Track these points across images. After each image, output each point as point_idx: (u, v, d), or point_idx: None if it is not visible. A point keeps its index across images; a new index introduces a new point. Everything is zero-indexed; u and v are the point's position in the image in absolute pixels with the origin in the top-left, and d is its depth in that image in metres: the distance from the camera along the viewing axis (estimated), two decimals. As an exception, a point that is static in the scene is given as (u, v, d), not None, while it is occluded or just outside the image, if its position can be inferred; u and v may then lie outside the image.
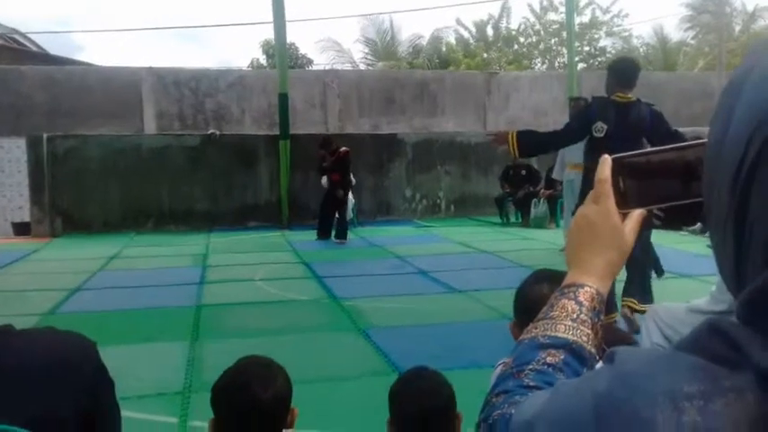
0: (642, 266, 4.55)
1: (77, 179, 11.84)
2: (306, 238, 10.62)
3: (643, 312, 3.89)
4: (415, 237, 10.81)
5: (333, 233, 10.22)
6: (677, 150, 0.75)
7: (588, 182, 4.33)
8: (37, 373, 1.10)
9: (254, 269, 7.61)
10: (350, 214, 11.82)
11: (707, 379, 0.43)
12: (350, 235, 10.94)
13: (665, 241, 8.75)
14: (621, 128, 4.37)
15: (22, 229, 12.06)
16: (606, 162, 0.76)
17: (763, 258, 0.43)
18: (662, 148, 0.76)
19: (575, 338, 0.70)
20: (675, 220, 9.97)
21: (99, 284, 6.95)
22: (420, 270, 7.38)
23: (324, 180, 10.37)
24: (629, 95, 4.44)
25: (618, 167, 0.76)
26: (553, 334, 0.71)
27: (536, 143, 4.75)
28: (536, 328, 0.73)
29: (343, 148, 9.97)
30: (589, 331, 0.71)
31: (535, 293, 1.64)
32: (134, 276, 7.40)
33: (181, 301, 5.96)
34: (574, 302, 0.73)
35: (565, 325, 0.71)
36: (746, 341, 0.43)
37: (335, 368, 4.07)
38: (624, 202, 0.76)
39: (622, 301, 4.44)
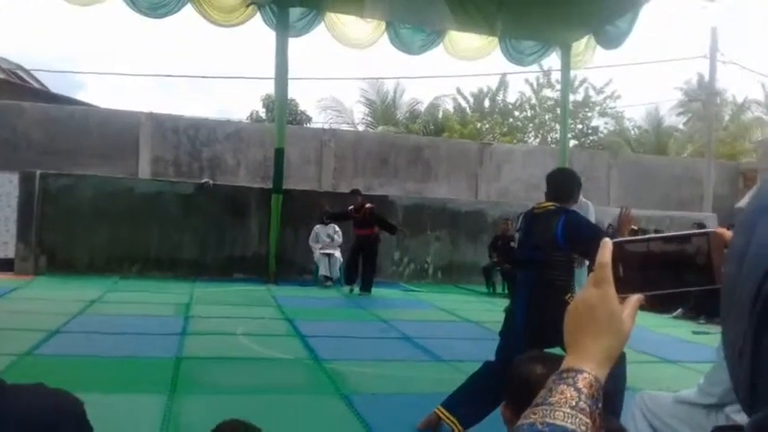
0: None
1: (67, 218, 11.79)
2: (291, 293, 10.58)
3: None
4: (402, 301, 10.77)
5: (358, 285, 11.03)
6: (678, 240, 0.77)
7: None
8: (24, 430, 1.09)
9: (237, 323, 7.53)
10: (337, 273, 11.84)
11: None
12: (334, 293, 11.00)
13: (649, 324, 8.77)
14: (526, 237, 4.17)
15: (5, 266, 11.89)
16: (607, 246, 0.77)
17: None
18: (663, 235, 0.78)
19: (573, 427, 0.69)
20: (659, 303, 10.04)
21: (79, 328, 6.84)
22: (405, 335, 7.33)
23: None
24: (549, 204, 4.11)
25: (618, 253, 0.78)
26: (552, 421, 0.70)
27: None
28: (534, 414, 0.72)
29: (369, 205, 11.06)
30: (588, 420, 0.71)
31: (528, 375, 1.64)
32: (115, 322, 7.28)
33: (161, 351, 5.86)
34: (573, 389, 0.73)
35: (564, 412, 0.70)
36: None
37: (315, 433, 4.00)
38: (623, 288, 0.77)
39: None
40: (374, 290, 11.03)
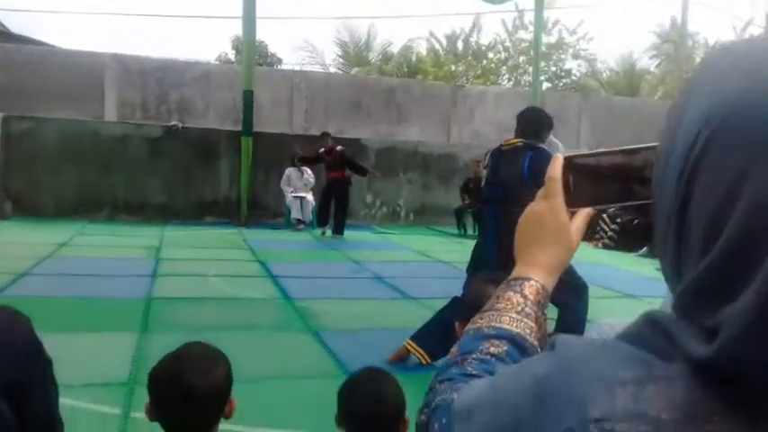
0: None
1: (32, 162, 11.54)
2: (263, 236, 10.57)
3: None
4: (374, 243, 10.84)
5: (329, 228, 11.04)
6: (626, 153, 0.77)
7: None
8: None
9: (209, 265, 7.53)
10: (309, 216, 11.84)
11: (641, 367, 0.45)
12: (306, 236, 11.04)
13: (615, 263, 8.98)
14: (494, 174, 4.22)
15: (-31, 210, 11.66)
16: (558, 160, 0.78)
17: (699, 250, 0.45)
18: (611, 149, 0.78)
19: (518, 330, 0.71)
20: (626, 242, 10.27)
21: (47, 270, 6.78)
22: (376, 275, 7.41)
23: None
24: (516, 141, 4.18)
25: (568, 166, 0.78)
26: (498, 325, 0.72)
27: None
28: (481, 319, 0.74)
29: (339, 147, 11.00)
30: (532, 324, 0.73)
31: (481, 293, 1.68)
32: (84, 265, 7.24)
33: (131, 292, 5.86)
34: (519, 295, 0.75)
35: (509, 317, 0.73)
36: (680, 334, 0.46)
37: (285, 367, 4.06)
38: (573, 201, 0.78)
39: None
40: (346, 232, 11.08)
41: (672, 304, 0.49)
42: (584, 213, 0.81)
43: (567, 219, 0.78)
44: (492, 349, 0.70)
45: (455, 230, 12.45)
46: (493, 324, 0.73)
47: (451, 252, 9.74)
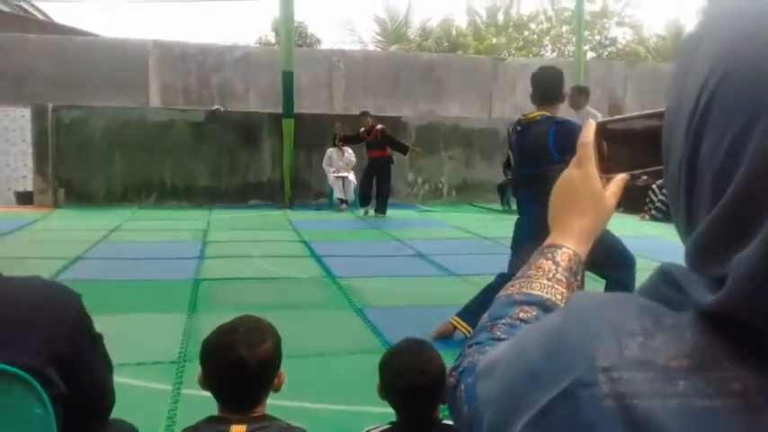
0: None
1: (81, 150, 11.87)
2: (307, 217, 10.68)
3: None
4: (416, 221, 10.83)
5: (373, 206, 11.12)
6: (659, 117, 0.75)
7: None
8: (14, 317, 1.12)
9: (254, 246, 7.65)
10: (351, 195, 11.89)
11: (651, 317, 0.46)
12: (349, 216, 11.10)
13: (666, 233, 8.76)
14: (520, 153, 4.00)
15: (25, 199, 12.10)
16: (590, 126, 0.77)
17: (709, 201, 0.45)
18: (644, 113, 0.76)
19: (549, 296, 0.72)
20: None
21: (99, 255, 7.00)
22: (419, 253, 7.41)
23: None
24: (536, 114, 3.94)
25: (601, 132, 0.77)
26: (528, 291, 0.73)
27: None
28: (513, 286, 0.75)
29: (380, 126, 10.97)
30: (564, 290, 0.73)
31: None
32: (134, 249, 7.44)
33: (179, 274, 6.00)
34: (551, 262, 0.75)
35: (540, 283, 0.73)
36: (690, 283, 0.46)
37: (329, 344, 4.11)
38: (606, 167, 0.77)
39: None
40: (389, 211, 11.09)
41: (684, 253, 0.49)
42: (619, 179, 0.79)
43: (600, 185, 0.78)
44: (522, 314, 0.70)
45: (499, 206, 12.33)
46: (524, 290, 0.73)
47: (495, 228, 9.65)
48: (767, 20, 0.43)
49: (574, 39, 18.95)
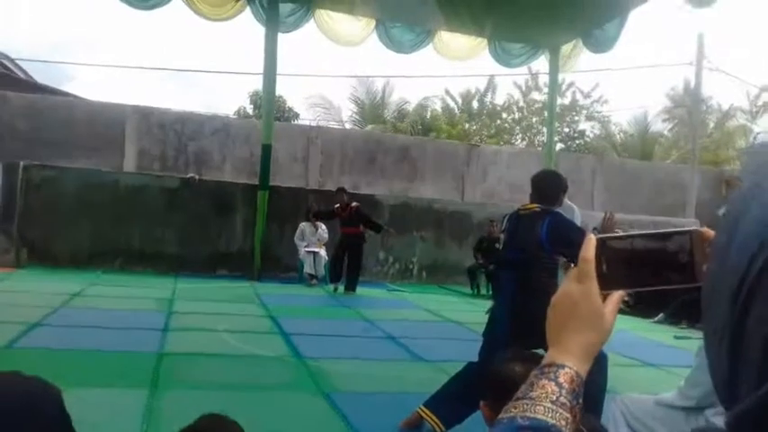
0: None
1: (50, 210, 11.67)
2: (275, 291, 10.55)
3: None
4: (386, 300, 10.77)
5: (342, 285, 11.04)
6: (659, 238, 0.77)
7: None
8: None
9: (220, 319, 7.49)
10: (322, 271, 11.83)
11: None
12: (319, 291, 11.00)
13: (631, 328, 8.83)
14: (511, 238, 4.19)
15: (-15, 257, 11.75)
16: (591, 242, 0.77)
17: (756, 378, 0.44)
18: (646, 232, 0.78)
19: (554, 421, 0.70)
20: (642, 307, 10.12)
21: (60, 321, 6.77)
22: (388, 335, 7.33)
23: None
24: (534, 206, 4.13)
25: (601, 249, 0.78)
26: (532, 416, 0.70)
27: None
28: (515, 408, 0.72)
29: (354, 203, 11.08)
30: (568, 414, 0.71)
31: (508, 373, 1.64)
32: (97, 316, 7.22)
33: (143, 346, 5.82)
34: (554, 384, 0.73)
35: (544, 407, 0.71)
36: None
37: (295, 431, 3.98)
38: (606, 284, 0.77)
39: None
40: (359, 289, 11.03)
41: (726, 422, 0.47)
42: (617, 297, 0.79)
43: (601, 303, 0.77)
44: None
45: (468, 290, 12.36)
46: (528, 414, 0.71)
47: (464, 312, 9.64)
48: None
49: (544, 129, 19.64)
